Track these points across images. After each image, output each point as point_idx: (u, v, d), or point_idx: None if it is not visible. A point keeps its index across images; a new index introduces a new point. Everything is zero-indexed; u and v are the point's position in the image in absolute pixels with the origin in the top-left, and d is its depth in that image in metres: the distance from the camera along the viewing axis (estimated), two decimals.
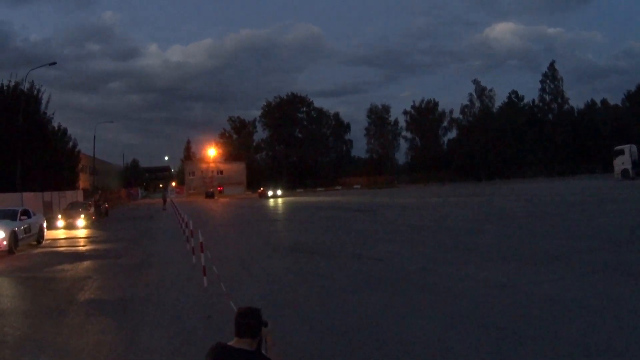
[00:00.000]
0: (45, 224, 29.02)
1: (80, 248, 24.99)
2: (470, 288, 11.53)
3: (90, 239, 28.98)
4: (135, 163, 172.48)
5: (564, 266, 13.50)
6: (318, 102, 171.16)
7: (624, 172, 67.60)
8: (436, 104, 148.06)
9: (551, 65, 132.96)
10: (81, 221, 38.01)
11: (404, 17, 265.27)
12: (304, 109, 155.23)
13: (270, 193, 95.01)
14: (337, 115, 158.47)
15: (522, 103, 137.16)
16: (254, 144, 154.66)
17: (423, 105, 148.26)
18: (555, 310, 9.37)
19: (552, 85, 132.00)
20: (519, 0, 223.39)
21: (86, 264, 19.07)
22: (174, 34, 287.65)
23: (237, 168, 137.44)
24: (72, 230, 35.43)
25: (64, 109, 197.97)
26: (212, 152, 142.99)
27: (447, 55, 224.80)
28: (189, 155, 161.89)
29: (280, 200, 71.14)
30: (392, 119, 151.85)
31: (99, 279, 15.43)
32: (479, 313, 9.48)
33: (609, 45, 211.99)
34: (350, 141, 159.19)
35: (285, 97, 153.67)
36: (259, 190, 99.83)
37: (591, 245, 16.96)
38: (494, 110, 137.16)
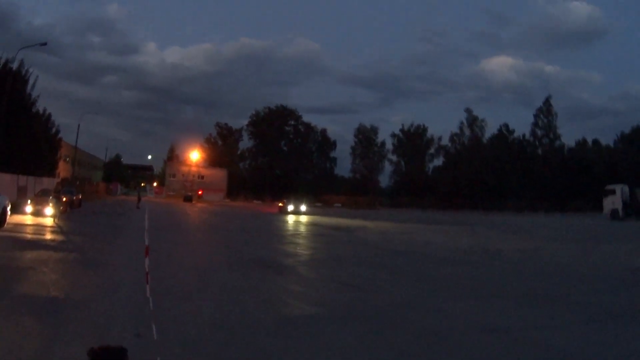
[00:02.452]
0: (9, 208, 28.30)
1: (38, 237, 24.60)
2: (457, 330, 10.09)
3: (52, 229, 28.53)
4: (117, 158, 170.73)
5: (564, 310, 12.30)
6: (308, 118, 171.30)
7: (613, 213, 68.05)
8: (425, 129, 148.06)
9: (547, 101, 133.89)
10: (49, 209, 37.38)
11: (404, 42, 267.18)
12: (292, 122, 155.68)
13: (290, 207, 69.87)
14: (324, 131, 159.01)
15: (512, 136, 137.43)
16: (239, 152, 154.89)
17: (412, 130, 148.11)
18: None
19: (545, 120, 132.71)
20: (519, 36, 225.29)
21: (36, 254, 18.17)
22: (174, 35, 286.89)
23: (219, 174, 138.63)
24: (39, 218, 35.01)
25: (57, 97, 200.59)
26: (195, 155, 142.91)
27: (442, 83, 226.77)
28: (172, 157, 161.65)
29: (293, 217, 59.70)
30: (379, 140, 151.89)
31: (42, 273, 14.42)
32: None
33: (606, 86, 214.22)
34: (335, 159, 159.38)
35: (274, 109, 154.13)
36: (280, 204, 74.37)
37: (593, 287, 15.93)
38: (484, 140, 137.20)
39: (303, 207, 70.95)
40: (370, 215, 69.93)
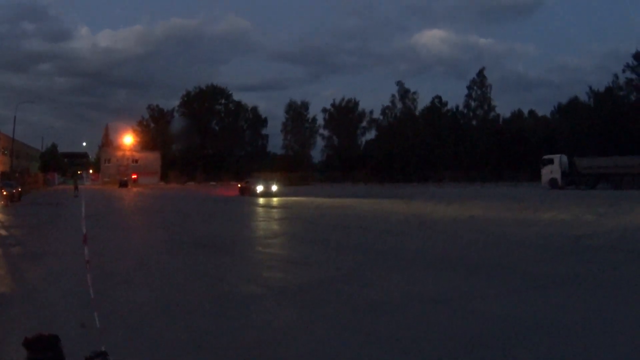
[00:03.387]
0: None
1: None
2: (397, 302, 10.03)
3: None
4: (54, 147, 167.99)
5: (505, 278, 12.31)
6: (240, 96, 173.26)
7: (553, 181, 70.19)
8: (356, 103, 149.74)
9: (480, 72, 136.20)
10: None
11: (335, 16, 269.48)
12: (223, 101, 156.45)
13: (260, 188, 58.44)
14: (255, 109, 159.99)
15: (445, 108, 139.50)
16: (171, 133, 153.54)
17: (343, 104, 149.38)
18: (506, 331, 8.00)
19: (479, 92, 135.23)
20: (452, 9, 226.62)
21: None
22: (106, 18, 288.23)
23: (152, 157, 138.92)
24: None
25: None
26: (128, 139, 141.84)
27: (373, 57, 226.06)
28: (107, 142, 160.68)
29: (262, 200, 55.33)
30: (310, 116, 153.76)
31: None
32: (410, 334, 8.00)
33: (542, 58, 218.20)
34: (267, 136, 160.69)
35: (205, 88, 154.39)
36: (242, 184, 64.19)
37: (533, 255, 15.94)
38: (416, 113, 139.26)
39: (274, 188, 59.67)
40: (307, 191, 71.46)
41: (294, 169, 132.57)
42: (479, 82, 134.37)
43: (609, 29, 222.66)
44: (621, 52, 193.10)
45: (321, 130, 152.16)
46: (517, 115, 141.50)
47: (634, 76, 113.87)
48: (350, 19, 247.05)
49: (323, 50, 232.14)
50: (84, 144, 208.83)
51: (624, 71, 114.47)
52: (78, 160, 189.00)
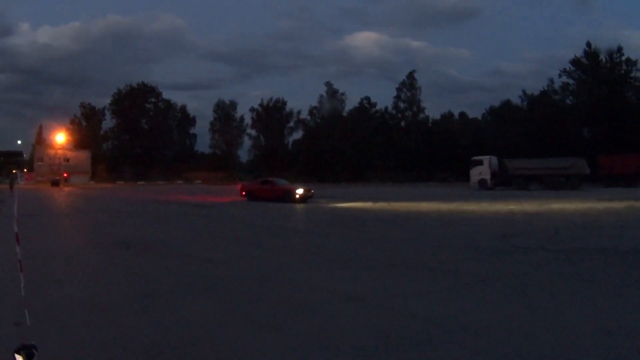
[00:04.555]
0: None
1: None
2: (319, 300, 10.00)
3: None
4: None
5: (429, 277, 12.38)
6: (172, 95, 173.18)
7: (482, 182, 71.82)
8: (284, 103, 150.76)
9: (410, 75, 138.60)
10: None
11: (269, 18, 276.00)
12: (153, 99, 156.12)
13: (299, 192, 44.42)
14: (184, 108, 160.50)
15: (374, 109, 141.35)
16: (102, 132, 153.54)
17: (271, 104, 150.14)
18: (426, 330, 8.01)
19: (408, 94, 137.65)
20: (387, 13, 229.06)
21: None
22: (46, 14, 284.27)
23: (83, 156, 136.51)
24: None
25: None
26: (60, 138, 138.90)
27: (305, 58, 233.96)
28: (40, 141, 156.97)
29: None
30: (238, 115, 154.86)
31: None
32: (331, 332, 7.95)
33: (477, 63, 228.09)
34: (195, 135, 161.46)
35: (136, 86, 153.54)
36: (252, 185, 50.89)
37: (459, 254, 15.98)
38: (344, 114, 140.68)
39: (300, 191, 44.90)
40: (232, 191, 69.21)
41: (221, 168, 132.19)
42: (409, 84, 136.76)
43: (546, 37, 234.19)
44: (557, 58, 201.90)
45: (249, 130, 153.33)
46: (447, 117, 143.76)
47: (570, 81, 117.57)
48: (284, 21, 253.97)
49: (255, 50, 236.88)
50: (19, 142, 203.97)
51: (560, 76, 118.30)
52: (13, 159, 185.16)
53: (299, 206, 39.43)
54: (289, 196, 43.83)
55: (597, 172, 77.58)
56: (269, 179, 50.79)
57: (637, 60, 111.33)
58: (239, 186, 53.34)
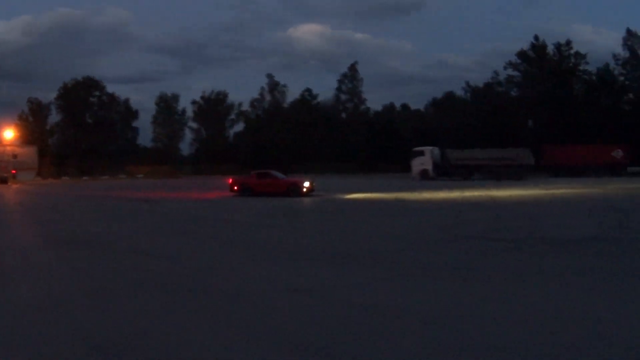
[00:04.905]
0: None
1: None
2: (262, 292, 9.95)
3: None
4: None
5: (372, 267, 12.29)
6: (117, 88, 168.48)
7: (423, 173, 71.89)
8: (225, 95, 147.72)
9: (352, 66, 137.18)
10: None
11: (213, 10, 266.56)
12: (97, 93, 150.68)
13: (306, 185, 41.54)
14: (127, 101, 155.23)
15: (315, 101, 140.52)
16: (48, 127, 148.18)
17: (212, 97, 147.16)
18: (368, 319, 8.05)
19: (350, 86, 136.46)
20: (330, 6, 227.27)
21: None
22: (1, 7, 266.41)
23: (30, 152, 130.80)
24: None
25: None
26: (9, 134, 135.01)
27: (247, 50, 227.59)
28: None
29: None
30: (180, 108, 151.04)
31: None
32: (277, 323, 7.91)
33: (420, 55, 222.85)
34: (137, 129, 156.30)
35: (81, 80, 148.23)
36: (244, 179, 46.18)
37: (403, 244, 15.99)
38: (285, 105, 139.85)
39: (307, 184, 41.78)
40: (175, 185, 71.64)
41: (162, 162, 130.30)
42: (350, 76, 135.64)
43: (492, 29, 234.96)
44: (502, 51, 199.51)
45: (190, 123, 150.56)
46: (389, 108, 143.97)
47: (516, 73, 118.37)
48: (228, 12, 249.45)
49: (199, 43, 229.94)
50: None
51: (505, 68, 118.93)
52: None
53: (313, 200, 36.93)
54: (295, 190, 40.75)
55: (542, 163, 78.69)
56: (266, 171, 46.96)
57: (586, 53, 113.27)
58: (229, 180, 45.64)
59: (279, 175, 45.34)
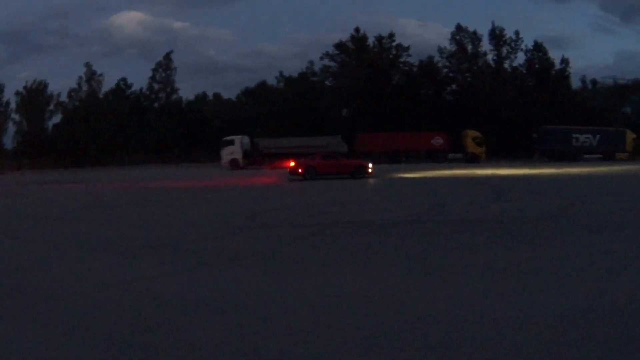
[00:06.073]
0: None
1: None
2: (70, 289, 9.64)
3: None
4: None
5: (175, 258, 12.27)
6: None
7: (233, 162, 71.94)
8: (46, 85, 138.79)
9: (167, 55, 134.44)
10: None
11: None
12: None
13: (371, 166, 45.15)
14: None
15: (130, 90, 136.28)
16: None
17: (34, 87, 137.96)
18: (171, 310, 8.06)
19: (163, 75, 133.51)
20: None
21: None
22: None
23: None
24: None
25: None
26: None
27: (71, 38, 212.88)
28: None
29: None
30: (5, 99, 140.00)
31: None
32: (82, 320, 7.77)
33: (237, 44, 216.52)
34: None
35: None
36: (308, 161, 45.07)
37: (206, 233, 16.08)
38: (101, 95, 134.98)
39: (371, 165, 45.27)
40: None
41: None
42: (165, 65, 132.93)
43: (315, 20, 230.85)
44: (324, 42, 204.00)
45: (13, 115, 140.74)
46: (201, 98, 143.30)
47: (332, 64, 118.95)
48: None
49: (25, 29, 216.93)
50: None
51: (322, 59, 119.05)
52: None
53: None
54: (360, 171, 42.87)
55: (355, 149, 79.19)
56: (330, 153, 51.28)
57: (409, 46, 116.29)
58: (291, 163, 44.75)
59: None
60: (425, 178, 41.70)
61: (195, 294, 9.00)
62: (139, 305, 8.45)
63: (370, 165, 43.61)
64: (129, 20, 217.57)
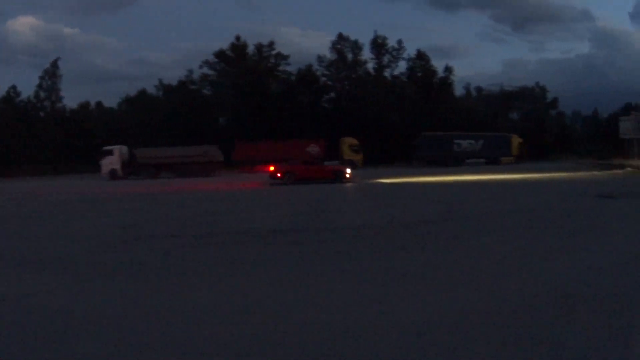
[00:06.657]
0: None
1: None
2: None
3: None
4: None
5: (57, 272, 12.24)
6: None
7: (112, 172, 72.15)
8: None
9: (54, 63, 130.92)
10: None
11: None
12: None
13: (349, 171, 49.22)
14: None
15: (19, 99, 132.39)
16: None
17: None
18: (62, 325, 8.14)
19: (50, 82, 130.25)
20: None
21: None
22: None
23: None
24: None
25: None
26: None
27: None
28: None
29: None
30: None
31: None
32: None
33: (123, 52, 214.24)
34: None
35: None
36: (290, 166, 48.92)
37: (84, 247, 15.91)
38: None
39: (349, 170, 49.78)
40: None
41: None
42: (52, 72, 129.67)
43: (200, 29, 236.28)
44: (206, 50, 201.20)
45: None
46: (84, 106, 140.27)
47: (211, 72, 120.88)
48: None
49: None
50: None
51: (201, 67, 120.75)
52: None
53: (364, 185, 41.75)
54: (340, 176, 46.63)
55: (233, 158, 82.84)
56: (309, 159, 56.43)
57: (288, 55, 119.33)
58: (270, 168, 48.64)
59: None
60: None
61: (81, 307, 9.10)
62: (29, 320, 8.51)
63: (348, 170, 47.98)
64: (23, 25, 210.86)
